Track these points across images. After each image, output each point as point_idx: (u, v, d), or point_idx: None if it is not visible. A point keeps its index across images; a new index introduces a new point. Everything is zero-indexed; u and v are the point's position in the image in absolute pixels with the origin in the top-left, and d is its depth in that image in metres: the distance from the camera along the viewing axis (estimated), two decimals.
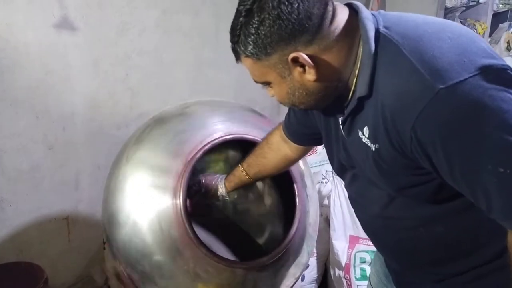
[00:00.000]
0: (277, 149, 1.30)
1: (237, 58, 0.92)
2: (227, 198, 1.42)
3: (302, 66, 0.85)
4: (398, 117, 0.80)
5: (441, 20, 0.88)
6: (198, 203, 1.39)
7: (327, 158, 2.18)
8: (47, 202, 1.98)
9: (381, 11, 0.91)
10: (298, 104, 0.94)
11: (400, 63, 0.80)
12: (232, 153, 1.60)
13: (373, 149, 0.88)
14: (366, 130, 0.88)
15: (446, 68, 0.75)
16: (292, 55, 0.84)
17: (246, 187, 1.51)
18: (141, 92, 2.19)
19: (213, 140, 1.36)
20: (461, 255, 0.96)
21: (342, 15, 0.87)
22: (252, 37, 0.84)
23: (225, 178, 1.39)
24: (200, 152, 1.33)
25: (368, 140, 0.88)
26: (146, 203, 1.33)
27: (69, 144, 2.00)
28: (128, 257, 1.34)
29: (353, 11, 0.88)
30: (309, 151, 1.34)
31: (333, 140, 1.05)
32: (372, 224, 1.08)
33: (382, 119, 0.83)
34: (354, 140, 0.94)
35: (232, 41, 0.90)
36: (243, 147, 1.40)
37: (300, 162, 1.49)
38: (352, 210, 1.97)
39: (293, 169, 1.44)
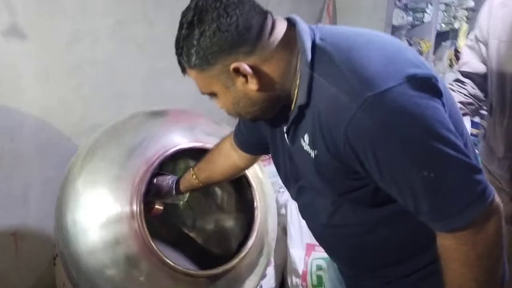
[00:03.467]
0: (226, 156, 1.32)
1: (183, 70, 0.94)
2: (178, 200, 1.42)
3: (244, 76, 0.88)
4: (332, 123, 0.84)
5: (371, 31, 0.93)
6: (149, 204, 1.37)
7: None
8: None
9: (319, 25, 0.95)
10: (244, 114, 0.97)
11: (332, 72, 0.84)
12: (191, 162, 1.59)
13: (313, 156, 0.91)
14: (306, 137, 0.92)
15: (374, 76, 0.80)
16: (233, 65, 0.87)
17: (205, 194, 1.51)
18: (94, 102, 2.14)
19: (170, 149, 1.35)
20: (405, 258, 1.00)
21: (280, 28, 0.90)
22: (194, 48, 0.86)
23: (177, 180, 1.38)
24: (156, 162, 1.31)
25: (308, 147, 0.92)
26: (101, 215, 1.29)
27: (17, 156, 1.92)
28: (83, 272, 1.30)
29: (291, 25, 0.92)
30: (257, 161, 1.37)
31: (280, 151, 1.08)
32: (322, 233, 1.11)
33: (318, 126, 0.87)
34: (297, 148, 0.97)
35: (176, 53, 0.92)
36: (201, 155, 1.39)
37: (258, 171, 1.50)
38: None
39: (252, 177, 1.45)
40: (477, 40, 1.64)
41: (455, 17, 4.71)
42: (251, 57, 0.87)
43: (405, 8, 3.82)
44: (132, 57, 2.23)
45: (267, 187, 1.55)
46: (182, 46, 0.89)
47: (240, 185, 1.44)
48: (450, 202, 0.79)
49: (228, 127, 1.62)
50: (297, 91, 0.91)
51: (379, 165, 0.81)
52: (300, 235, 2.01)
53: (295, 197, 1.12)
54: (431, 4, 4.07)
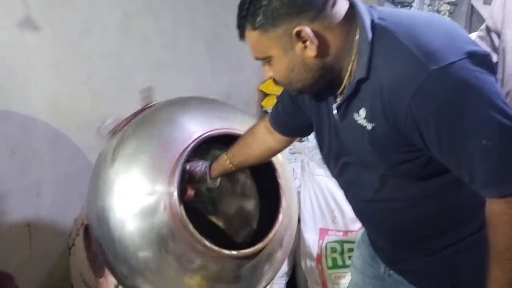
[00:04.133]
0: (261, 140, 1.35)
1: (242, 34, 0.98)
2: (211, 186, 1.45)
3: (304, 41, 0.92)
4: (395, 95, 0.88)
5: (429, 13, 0.99)
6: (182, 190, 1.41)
7: (293, 156, 2.27)
8: (8, 208, 1.90)
9: (374, 5, 1.00)
10: (295, 82, 1.00)
11: (396, 48, 0.89)
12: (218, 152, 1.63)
13: (369, 128, 0.95)
14: (362, 111, 0.96)
15: (438, 51, 0.86)
16: (297, 28, 0.90)
17: (229, 179, 1.54)
18: (102, 95, 2.16)
19: (202, 135, 1.38)
20: (447, 230, 1.06)
21: (342, 4, 0.95)
22: (263, 8, 0.90)
23: (209, 166, 1.42)
24: (189, 148, 1.35)
25: (364, 121, 0.96)
26: (136, 201, 1.33)
27: (30, 148, 1.94)
28: (119, 253, 1.33)
29: (350, 4, 0.97)
30: (291, 143, 1.40)
31: (325, 127, 1.11)
32: (366, 209, 1.15)
33: (379, 99, 0.91)
34: (348, 124, 1.01)
35: (240, 15, 0.95)
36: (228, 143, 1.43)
37: (279, 156, 1.54)
38: (321, 203, 2.08)
39: (275, 162, 1.49)
40: (489, 30, 1.72)
41: (438, 11, 4.82)
42: (314, 23, 0.90)
43: (393, 2, 3.92)
44: (138, 50, 2.25)
45: (287, 170, 1.60)
46: (249, 7, 0.92)
47: (263, 168, 1.48)
48: (504, 169, 0.85)
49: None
50: (353, 67, 0.95)
51: (439, 136, 0.86)
52: (313, 220, 2.07)
53: (337, 173, 1.15)
54: None
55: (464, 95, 0.84)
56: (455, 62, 0.84)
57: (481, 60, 0.87)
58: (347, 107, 1.00)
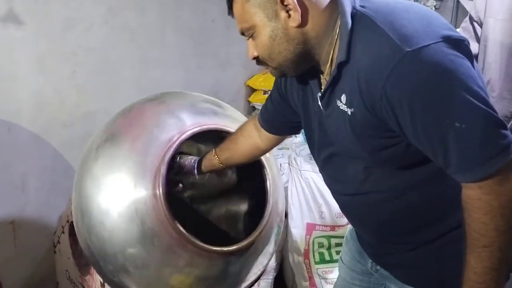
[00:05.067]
0: (248, 136, 1.35)
1: (230, 6, 1.00)
2: (200, 180, 1.44)
3: (288, 11, 0.94)
4: (371, 77, 0.89)
5: (407, 1, 1.00)
6: (171, 182, 1.40)
7: (281, 152, 2.27)
8: None
9: None
10: (277, 54, 1.00)
11: (373, 32, 0.91)
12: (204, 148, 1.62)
13: (349, 113, 0.96)
14: (343, 97, 0.97)
15: (413, 34, 0.86)
16: None
17: (218, 176, 1.54)
18: (87, 90, 2.14)
19: (188, 130, 1.37)
20: (432, 223, 1.05)
21: None
22: None
23: (199, 160, 1.42)
24: (176, 143, 1.34)
25: (345, 106, 0.97)
26: (122, 197, 1.31)
27: (14, 144, 1.91)
28: (105, 250, 1.32)
29: None
30: (278, 144, 1.39)
31: (312, 119, 1.12)
32: (350, 203, 1.15)
33: (357, 82, 0.92)
34: (331, 111, 1.02)
35: None
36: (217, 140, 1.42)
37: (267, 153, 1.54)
38: (309, 198, 2.08)
39: (263, 158, 1.48)
40: (472, 20, 1.74)
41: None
42: None
43: None
44: (124, 45, 2.23)
45: (275, 168, 1.60)
46: None
47: (250, 164, 1.47)
48: (478, 153, 0.84)
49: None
50: (334, 52, 0.97)
51: (413, 118, 0.86)
52: (300, 216, 2.07)
53: (321, 166, 1.16)
54: None
55: (438, 77, 0.84)
56: (429, 45, 0.84)
57: (457, 44, 0.87)
58: (330, 94, 1.01)
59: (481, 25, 1.70)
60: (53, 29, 1.94)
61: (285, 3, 0.93)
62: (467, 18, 1.80)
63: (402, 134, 0.91)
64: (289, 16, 0.94)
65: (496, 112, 0.86)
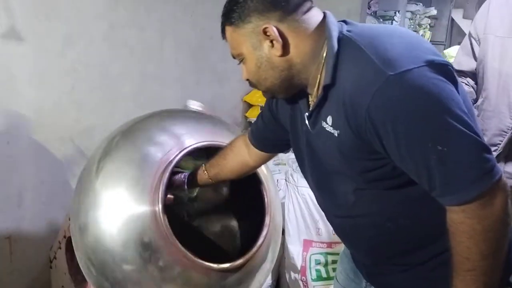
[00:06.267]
0: (237, 152, 1.36)
1: (222, 30, 1.05)
2: (189, 194, 1.45)
3: (271, 41, 0.98)
4: (356, 101, 0.91)
5: (393, 26, 1.03)
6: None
7: (277, 168, 2.28)
8: None
9: (348, 20, 1.04)
10: (263, 80, 1.04)
11: (358, 56, 0.93)
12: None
13: (336, 135, 0.98)
14: (329, 119, 0.99)
15: (396, 58, 0.88)
16: (264, 26, 0.97)
17: (215, 192, 1.55)
18: (87, 105, 2.15)
19: (187, 147, 1.38)
20: (423, 245, 1.06)
21: (316, 14, 1.01)
22: (238, 5, 0.99)
23: (189, 175, 1.43)
24: (176, 159, 1.35)
25: (331, 128, 0.99)
26: (121, 214, 1.32)
27: (12, 159, 1.92)
28: (102, 266, 1.32)
29: (324, 17, 1.02)
30: (266, 161, 1.40)
31: (300, 138, 1.14)
32: (341, 224, 1.16)
33: (342, 105, 0.94)
34: (318, 132, 1.03)
35: (222, 13, 1.04)
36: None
37: (264, 168, 1.55)
38: (305, 214, 2.09)
39: (260, 173, 1.50)
40: (470, 36, 1.78)
41: (420, 25, 4.94)
42: (282, 24, 0.97)
43: (375, 15, 4.00)
44: (124, 61, 2.25)
45: (272, 184, 1.61)
46: (228, 5, 1.01)
47: (248, 179, 1.48)
48: (460, 176, 0.85)
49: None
50: (322, 75, 0.99)
51: (397, 141, 0.87)
52: (297, 232, 2.07)
53: (312, 186, 1.17)
54: (399, 12, 4.27)
55: (421, 100, 0.85)
56: (412, 69, 0.86)
57: (440, 69, 0.88)
58: (317, 116, 1.02)
59: (479, 42, 1.73)
60: (53, 45, 1.96)
61: (267, 34, 0.97)
62: (466, 36, 1.83)
63: (387, 156, 0.92)
64: (272, 45, 0.98)
65: (480, 136, 0.87)
